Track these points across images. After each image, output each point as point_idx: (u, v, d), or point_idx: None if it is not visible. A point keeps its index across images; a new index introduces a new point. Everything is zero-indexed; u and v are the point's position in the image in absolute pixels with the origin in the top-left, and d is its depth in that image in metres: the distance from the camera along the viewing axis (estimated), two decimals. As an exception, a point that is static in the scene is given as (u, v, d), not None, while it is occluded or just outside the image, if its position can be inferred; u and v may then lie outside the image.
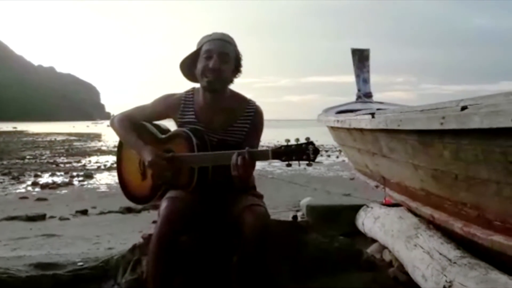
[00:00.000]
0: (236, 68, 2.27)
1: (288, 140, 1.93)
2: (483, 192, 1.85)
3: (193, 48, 2.28)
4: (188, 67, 2.29)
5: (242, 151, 1.98)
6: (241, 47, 2.29)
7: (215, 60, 2.17)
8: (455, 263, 1.94)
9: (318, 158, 1.91)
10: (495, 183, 1.74)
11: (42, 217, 5.56)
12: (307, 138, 1.92)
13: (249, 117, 2.28)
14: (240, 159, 1.96)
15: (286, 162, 1.92)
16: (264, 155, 1.97)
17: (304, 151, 1.90)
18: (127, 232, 4.56)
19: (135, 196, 2.42)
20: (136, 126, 2.35)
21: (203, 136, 2.20)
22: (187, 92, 2.35)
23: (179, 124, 2.31)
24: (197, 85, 2.33)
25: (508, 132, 1.50)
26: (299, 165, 1.93)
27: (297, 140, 1.92)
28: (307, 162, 1.91)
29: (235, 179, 2.02)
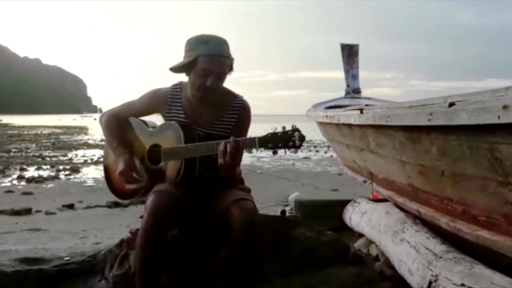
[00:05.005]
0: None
1: (275, 128, 1.94)
2: (469, 187, 1.87)
3: (182, 42, 2.25)
4: (179, 69, 2.24)
5: (229, 140, 1.99)
6: (230, 41, 2.27)
7: (213, 81, 2.14)
8: (440, 257, 1.96)
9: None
10: (481, 179, 1.76)
11: (28, 211, 5.49)
12: (293, 126, 1.93)
13: (236, 112, 2.28)
14: (227, 146, 1.97)
15: (273, 150, 1.93)
16: (251, 143, 1.99)
17: (290, 138, 1.91)
18: (114, 227, 4.53)
19: (121, 191, 2.41)
20: (123, 122, 2.36)
21: (190, 129, 2.20)
22: (175, 86, 2.34)
23: (166, 119, 2.31)
24: (185, 78, 2.32)
25: (494, 128, 1.52)
26: (285, 152, 1.94)
27: (284, 128, 1.93)
28: (293, 149, 1.92)
29: (222, 168, 2.02)
